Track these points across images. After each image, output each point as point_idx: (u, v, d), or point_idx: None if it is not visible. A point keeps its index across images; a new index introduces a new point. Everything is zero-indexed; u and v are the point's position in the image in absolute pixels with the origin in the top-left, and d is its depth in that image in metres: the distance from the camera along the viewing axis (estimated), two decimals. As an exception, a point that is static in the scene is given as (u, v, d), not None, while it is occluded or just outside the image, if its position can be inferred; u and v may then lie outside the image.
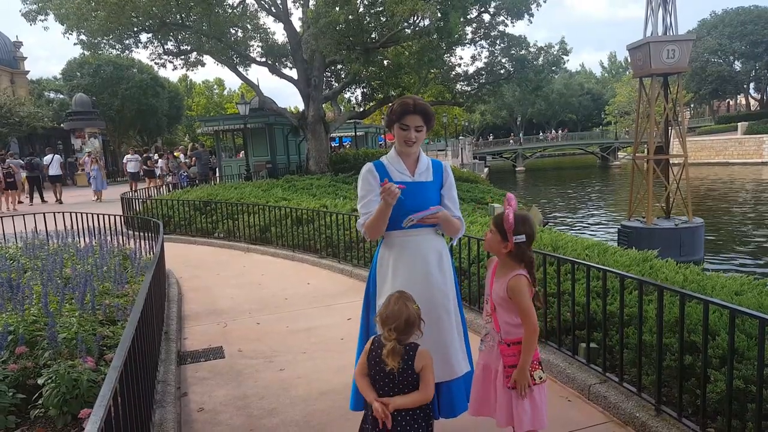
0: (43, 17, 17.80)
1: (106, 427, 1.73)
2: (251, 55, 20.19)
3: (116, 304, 4.61)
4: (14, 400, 3.19)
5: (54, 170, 19.85)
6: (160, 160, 22.73)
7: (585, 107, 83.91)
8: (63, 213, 9.48)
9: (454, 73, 20.89)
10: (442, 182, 2.92)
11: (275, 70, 20.14)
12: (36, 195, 19.91)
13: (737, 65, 61.61)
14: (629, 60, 18.82)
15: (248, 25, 19.53)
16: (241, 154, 23.29)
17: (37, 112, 31.06)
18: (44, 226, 9.08)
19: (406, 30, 16.85)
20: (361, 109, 22.15)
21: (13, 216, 9.87)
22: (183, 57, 20.37)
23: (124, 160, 22.51)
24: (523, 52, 20.15)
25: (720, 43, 58.05)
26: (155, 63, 20.59)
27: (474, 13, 18.99)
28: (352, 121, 24.91)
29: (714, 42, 57.76)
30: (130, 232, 9.27)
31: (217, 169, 22.59)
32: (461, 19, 17.02)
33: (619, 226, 17.23)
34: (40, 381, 3.21)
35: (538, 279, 3.53)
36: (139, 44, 19.56)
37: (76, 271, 5.59)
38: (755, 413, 2.58)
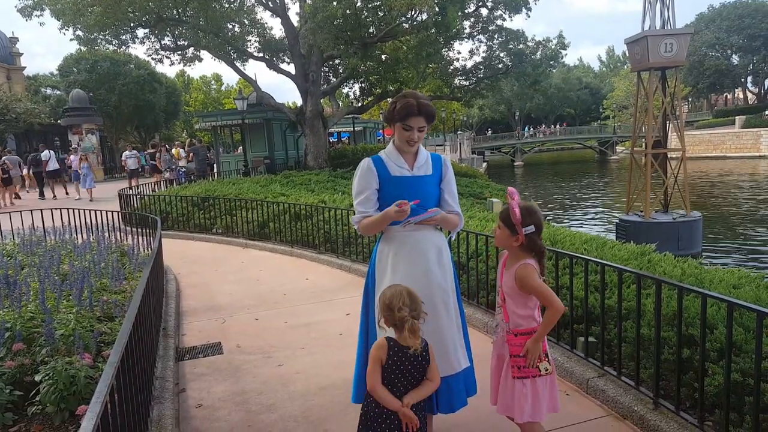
0: (38, 13, 17.72)
1: (102, 424, 1.73)
2: (248, 50, 20.12)
3: (114, 300, 4.60)
4: (11, 397, 3.18)
5: (52, 165, 19.82)
6: (157, 155, 22.56)
7: (583, 102, 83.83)
8: (60, 209, 9.45)
9: (452, 67, 20.84)
10: (442, 176, 2.90)
11: (273, 66, 20.08)
12: (39, 190, 19.97)
13: (735, 59, 61.56)
14: (627, 54, 18.80)
15: (245, 20, 19.43)
16: (239, 149, 23.26)
17: (33, 108, 30.97)
18: (41, 223, 9.06)
19: (404, 24, 16.80)
20: (360, 104, 22.09)
21: (10, 213, 9.84)
22: (180, 52, 20.29)
23: (123, 157, 22.31)
24: (521, 46, 20.10)
25: (717, 36, 57.97)
26: (152, 58, 20.54)
27: (472, 8, 18.93)
28: (350, 116, 24.85)
29: (712, 36, 57.69)
30: (128, 229, 9.26)
31: (215, 165, 22.52)
32: (459, 14, 16.96)
33: (617, 220, 17.26)
34: (37, 378, 3.20)
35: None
36: (136, 40, 19.50)
37: (73, 268, 5.58)
38: (753, 406, 2.59)
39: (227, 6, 18.66)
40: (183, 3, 17.36)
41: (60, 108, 34.25)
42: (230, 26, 18.95)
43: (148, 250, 7.18)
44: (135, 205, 12.37)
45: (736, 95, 75.14)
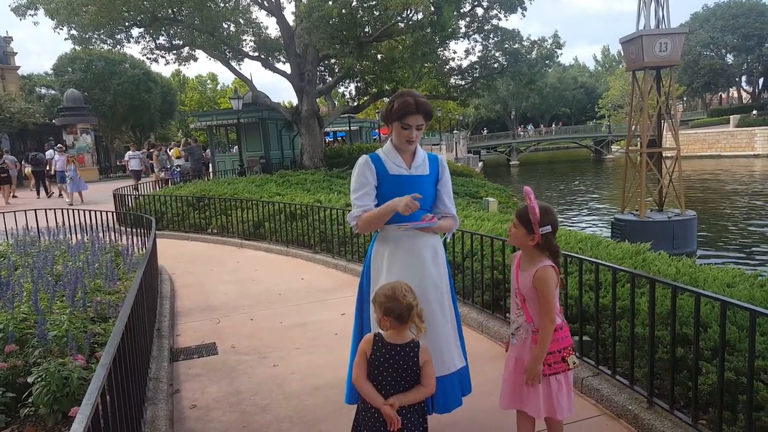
0: (32, 12, 17.62)
1: (93, 426, 1.71)
2: (244, 49, 20.05)
3: (108, 301, 4.57)
4: (4, 399, 3.16)
5: (60, 166, 19.65)
6: (155, 154, 22.39)
7: (579, 101, 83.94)
8: (54, 210, 9.41)
9: (447, 67, 20.86)
10: (438, 176, 2.90)
11: (268, 65, 20.03)
12: (41, 189, 19.91)
13: (729, 58, 61.86)
14: (622, 53, 18.84)
15: (241, 20, 19.37)
16: (235, 149, 23.20)
17: (28, 108, 30.78)
18: (35, 223, 9.01)
19: (400, 24, 16.79)
20: (355, 104, 22.07)
21: (3, 213, 9.79)
22: (175, 52, 20.20)
23: (126, 158, 21.92)
24: (516, 46, 20.15)
25: (712, 36, 58.23)
26: (147, 58, 20.42)
27: (467, 7, 18.96)
28: (346, 115, 24.84)
29: (706, 35, 57.95)
30: (123, 229, 9.22)
31: (210, 165, 22.42)
32: (454, 13, 16.97)
33: (612, 219, 17.30)
34: (30, 379, 3.18)
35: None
36: (131, 39, 19.42)
37: (67, 268, 5.54)
38: (746, 404, 2.59)
39: (222, 5, 18.60)
40: (178, 2, 17.30)
41: (55, 107, 34.07)
42: (225, 25, 18.89)
43: (142, 251, 7.15)
44: (130, 204, 12.32)
45: (730, 94, 75.48)
